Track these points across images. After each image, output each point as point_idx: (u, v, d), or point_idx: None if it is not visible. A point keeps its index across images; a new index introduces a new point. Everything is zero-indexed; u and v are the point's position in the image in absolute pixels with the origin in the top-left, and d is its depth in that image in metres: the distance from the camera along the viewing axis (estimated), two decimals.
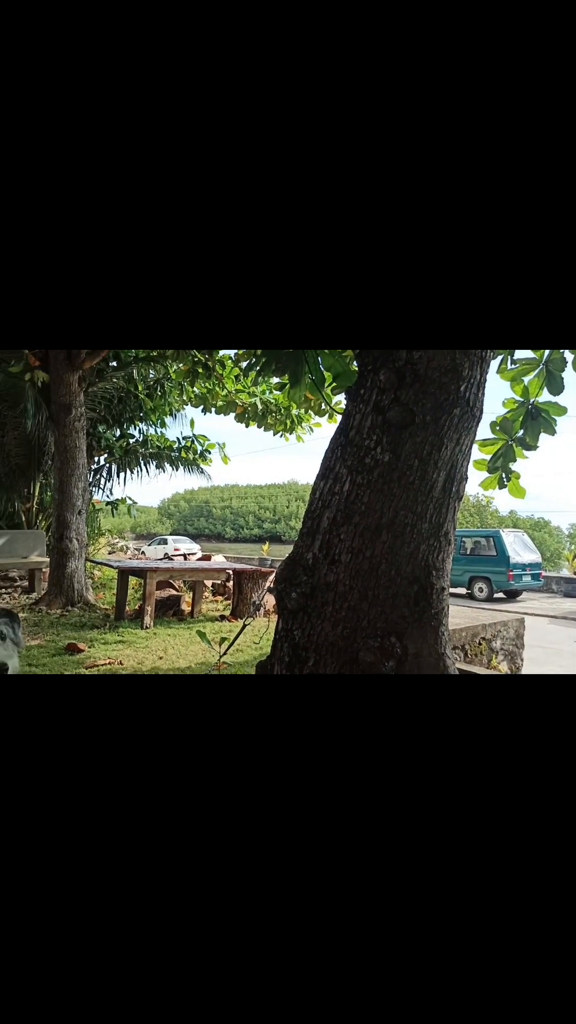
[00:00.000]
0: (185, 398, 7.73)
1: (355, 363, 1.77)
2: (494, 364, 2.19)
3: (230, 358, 5.82)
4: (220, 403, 6.21)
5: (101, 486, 9.10)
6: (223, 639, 2.98)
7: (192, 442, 8.86)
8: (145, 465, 8.98)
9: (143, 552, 16.38)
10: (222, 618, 5.71)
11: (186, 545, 19.45)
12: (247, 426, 6.18)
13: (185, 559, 12.44)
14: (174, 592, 6.28)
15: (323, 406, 5.45)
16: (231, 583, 6.29)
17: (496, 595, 11.32)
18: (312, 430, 6.53)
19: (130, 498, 9.64)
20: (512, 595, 11.59)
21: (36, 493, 7.96)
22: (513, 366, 2.28)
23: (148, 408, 8.18)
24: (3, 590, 6.87)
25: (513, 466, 2.44)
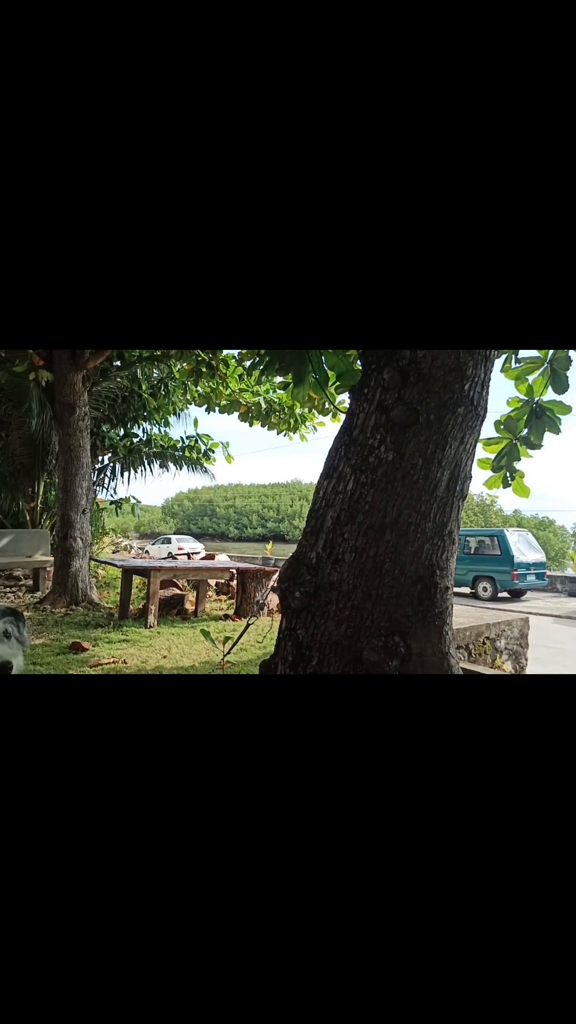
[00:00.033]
0: (189, 397, 7.74)
1: (359, 362, 1.77)
2: (498, 363, 2.18)
3: (234, 357, 5.83)
4: (224, 402, 6.22)
5: (105, 485, 9.12)
6: (227, 638, 2.99)
7: (196, 441, 8.87)
8: (149, 464, 8.99)
9: (147, 551, 16.41)
10: (226, 617, 5.72)
11: (190, 544, 19.50)
12: (251, 425, 6.19)
13: (189, 558, 12.46)
14: (178, 591, 6.29)
15: (327, 405, 5.46)
16: (235, 582, 6.29)
17: (500, 594, 11.29)
18: (316, 429, 6.53)
19: (134, 497, 9.66)
20: (516, 594, 11.55)
21: (40, 492, 7.99)
22: (517, 365, 2.27)
23: (152, 407, 8.20)
24: (8, 589, 6.89)
25: (517, 465, 2.43)
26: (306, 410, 6.08)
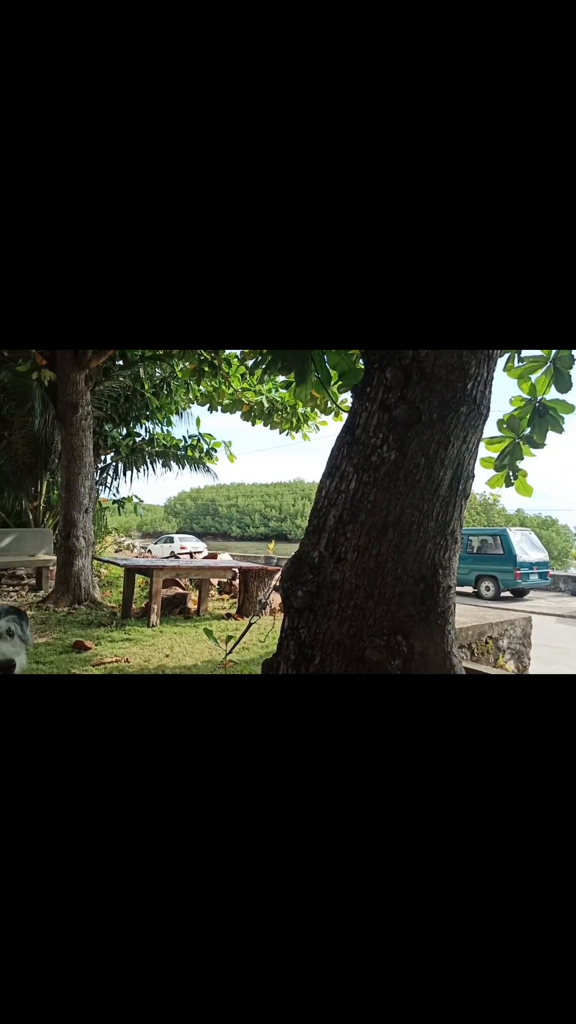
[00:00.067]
0: (191, 396, 7.74)
1: (361, 361, 1.77)
2: (501, 362, 2.17)
3: (236, 356, 5.82)
4: (226, 401, 6.21)
5: (108, 484, 9.14)
6: (229, 637, 2.99)
7: (198, 440, 8.87)
8: (151, 463, 9.00)
9: (149, 550, 16.43)
10: (228, 616, 5.72)
11: (192, 543, 19.52)
12: (253, 424, 6.19)
13: (191, 557, 12.48)
14: (180, 590, 6.30)
15: (329, 404, 5.45)
16: (237, 581, 6.30)
17: (503, 594, 11.27)
18: (318, 428, 6.53)
19: (136, 496, 9.67)
20: (519, 594, 11.53)
21: (43, 491, 8.00)
22: (520, 363, 2.26)
23: (154, 407, 8.21)
24: (11, 588, 6.91)
25: (520, 464, 2.43)
26: (308, 409, 6.08)
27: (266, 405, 6.01)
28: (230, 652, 3.65)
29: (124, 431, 8.66)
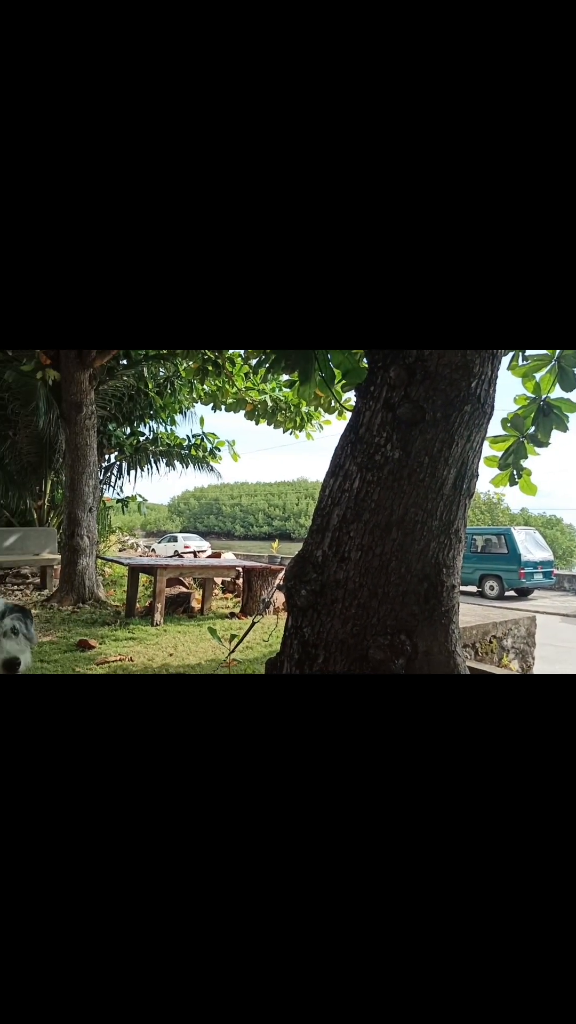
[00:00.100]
0: (195, 396, 7.75)
1: (365, 360, 1.77)
2: (505, 360, 2.17)
3: (240, 356, 5.82)
4: (230, 400, 6.21)
5: (112, 484, 9.16)
6: (233, 636, 2.99)
7: (202, 439, 8.88)
8: (155, 463, 9.02)
9: (153, 549, 16.46)
10: (232, 615, 5.73)
11: (196, 542, 19.54)
12: (257, 423, 6.18)
13: (195, 556, 12.49)
14: (184, 589, 6.31)
15: (333, 403, 5.44)
16: (241, 580, 6.30)
17: (507, 593, 11.24)
18: (322, 427, 6.52)
19: (140, 495, 9.70)
20: (523, 593, 11.51)
21: (47, 491, 8.03)
22: (525, 362, 2.26)
23: (158, 406, 8.22)
24: (15, 586, 6.94)
25: (524, 463, 2.42)
26: (312, 408, 6.07)
27: (270, 404, 6.00)
28: (233, 651, 3.66)
29: (128, 430, 8.68)
